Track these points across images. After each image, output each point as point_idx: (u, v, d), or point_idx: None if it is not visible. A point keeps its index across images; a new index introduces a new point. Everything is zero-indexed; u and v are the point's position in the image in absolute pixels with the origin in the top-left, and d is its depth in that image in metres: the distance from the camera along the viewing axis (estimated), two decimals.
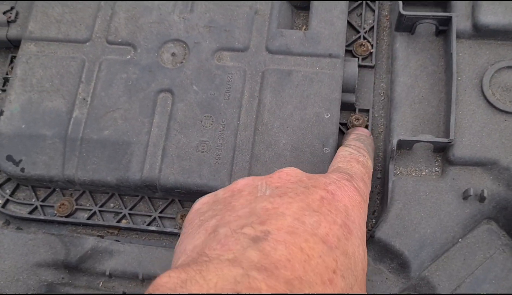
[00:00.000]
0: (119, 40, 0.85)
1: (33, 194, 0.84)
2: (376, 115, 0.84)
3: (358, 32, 0.87)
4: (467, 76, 0.78)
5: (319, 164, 0.75)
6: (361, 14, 0.89)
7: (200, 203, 0.66)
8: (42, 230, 0.82)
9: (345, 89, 0.81)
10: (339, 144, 0.77)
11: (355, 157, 0.70)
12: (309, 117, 0.77)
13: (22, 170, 0.80)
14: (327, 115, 0.77)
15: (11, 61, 0.93)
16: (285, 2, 0.86)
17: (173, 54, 0.83)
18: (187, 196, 0.78)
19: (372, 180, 0.79)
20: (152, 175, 0.77)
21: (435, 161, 0.77)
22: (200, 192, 0.76)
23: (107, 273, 0.76)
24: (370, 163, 0.72)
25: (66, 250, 0.76)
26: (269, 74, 0.80)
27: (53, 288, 0.74)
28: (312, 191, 0.59)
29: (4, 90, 0.92)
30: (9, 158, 0.80)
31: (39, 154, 0.80)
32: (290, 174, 0.64)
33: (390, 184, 0.75)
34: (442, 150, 0.77)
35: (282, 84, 0.79)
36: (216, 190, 0.74)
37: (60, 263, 0.76)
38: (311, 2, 0.84)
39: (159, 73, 0.82)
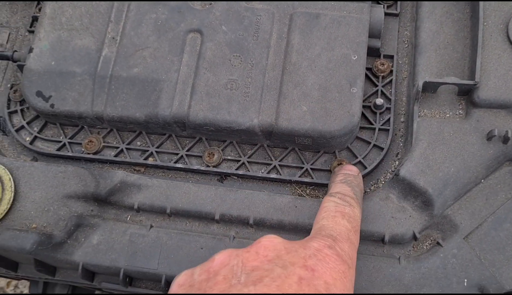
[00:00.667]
0: None
1: (61, 131, 0.85)
2: (400, 61, 0.85)
3: None
4: (493, 22, 0.79)
5: (346, 103, 0.76)
6: None
7: (177, 285, 0.61)
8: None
9: (371, 34, 0.82)
10: (365, 85, 0.79)
11: (341, 209, 0.67)
12: (336, 58, 0.79)
13: (52, 106, 0.81)
14: (355, 56, 0.78)
15: (38, 3, 0.93)
16: None
17: None
18: (214, 133, 0.80)
19: (395, 124, 0.81)
20: (181, 111, 0.78)
21: (459, 104, 0.79)
22: (228, 129, 0.77)
23: (135, 206, 0.77)
24: (358, 212, 0.69)
25: (96, 182, 0.77)
26: (297, 17, 0.81)
27: (82, 219, 0.76)
28: (290, 272, 0.55)
29: (30, 32, 0.93)
30: (39, 94, 0.82)
31: (68, 90, 0.81)
32: (268, 247, 0.59)
33: (415, 125, 0.76)
34: (466, 93, 0.78)
35: (310, 26, 0.80)
36: (245, 126, 0.75)
37: (90, 196, 0.77)
38: None
39: (188, 14, 0.83)
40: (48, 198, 0.77)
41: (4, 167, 0.77)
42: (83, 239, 0.76)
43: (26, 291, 1.23)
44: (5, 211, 0.76)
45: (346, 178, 0.73)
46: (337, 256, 0.59)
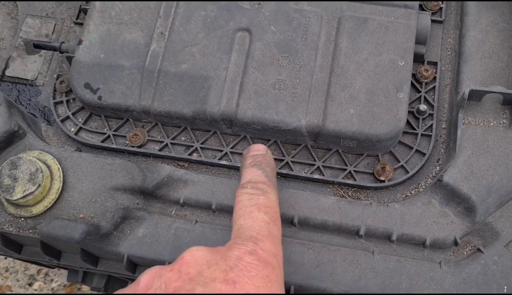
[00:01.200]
0: None
1: (106, 123, 0.86)
2: (443, 68, 0.87)
3: None
4: None
5: (392, 108, 0.77)
6: None
7: None
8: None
9: (417, 41, 0.83)
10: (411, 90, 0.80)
11: (255, 201, 0.65)
12: (384, 63, 0.80)
13: (99, 98, 0.82)
14: (402, 62, 0.80)
15: None
16: None
17: None
18: (260, 132, 0.81)
19: (437, 131, 0.82)
20: (229, 109, 0.79)
21: (503, 113, 0.80)
22: (275, 128, 0.78)
23: (181, 201, 0.79)
24: (273, 197, 0.67)
25: (143, 176, 0.78)
26: (346, 20, 0.82)
27: (129, 212, 0.77)
28: (211, 289, 0.55)
29: (76, 23, 0.94)
30: (87, 86, 0.83)
31: (116, 83, 0.82)
32: (190, 264, 0.58)
33: (459, 132, 0.77)
34: (511, 103, 0.79)
35: (358, 31, 0.82)
36: (292, 127, 0.77)
37: (137, 189, 0.78)
38: None
39: (237, 13, 0.84)
40: (95, 190, 0.78)
41: (53, 157, 0.78)
42: (128, 231, 0.77)
43: (56, 278, 1.24)
44: (54, 201, 0.77)
45: (255, 160, 0.71)
46: (259, 262, 0.58)
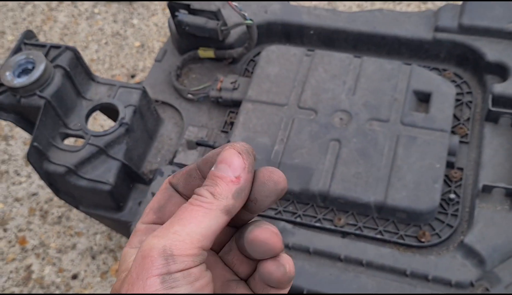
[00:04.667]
0: (306, 107, 1.35)
1: None
2: (467, 172, 1.29)
3: (458, 120, 1.35)
4: None
5: (431, 194, 1.20)
6: (461, 109, 1.36)
7: None
8: None
9: (449, 153, 1.27)
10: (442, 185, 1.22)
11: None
12: (426, 165, 1.24)
13: None
14: (438, 165, 1.23)
15: (229, 114, 1.45)
16: (412, 97, 1.34)
17: (341, 119, 1.32)
18: (343, 205, 1.24)
19: (462, 212, 1.23)
20: (324, 189, 1.24)
21: (506, 201, 1.21)
22: (353, 203, 1.22)
23: (290, 245, 1.22)
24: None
25: None
26: (402, 137, 1.28)
27: None
28: None
29: (223, 131, 1.43)
30: None
31: None
32: None
33: (475, 213, 1.19)
34: (511, 195, 1.21)
35: (410, 144, 1.26)
36: (364, 201, 1.20)
37: None
38: (432, 96, 1.32)
39: (331, 129, 1.31)
40: None
41: None
42: None
43: None
44: None
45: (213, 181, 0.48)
46: None
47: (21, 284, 1.73)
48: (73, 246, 1.80)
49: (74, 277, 1.74)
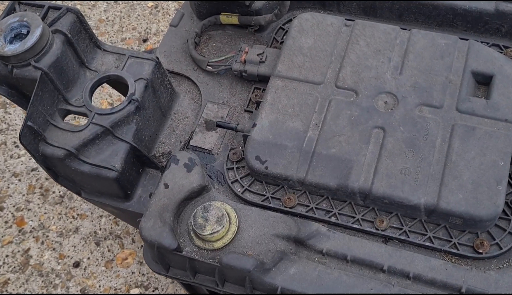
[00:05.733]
0: (345, 86, 1.16)
1: (266, 188, 1.14)
2: None
3: None
4: None
5: (493, 197, 1.01)
6: None
7: None
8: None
9: None
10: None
11: None
12: (487, 161, 1.04)
13: (266, 168, 1.10)
14: (502, 162, 1.04)
15: (254, 91, 1.25)
16: (471, 79, 1.14)
17: (385, 102, 1.13)
18: (387, 205, 1.06)
19: None
20: (365, 185, 1.05)
21: None
22: (399, 204, 1.03)
23: (324, 251, 1.04)
24: None
25: (298, 228, 1.05)
26: (458, 127, 1.08)
27: (284, 254, 1.03)
28: None
29: (247, 111, 1.24)
30: (257, 158, 1.11)
31: (280, 158, 1.10)
32: None
33: None
34: None
35: (467, 136, 1.07)
36: (413, 203, 1.01)
37: (292, 237, 1.04)
38: (494, 79, 1.12)
39: (374, 114, 1.12)
40: (261, 235, 1.04)
41: (232, 207, 1.06)
42: (283, 269, 1.03)
43: None
44: (230, 240, 1.04)
45: None
46: None
47: (18, 270, 1.58)
48: (76, 230, 1.64)
49: (76, 265, 1.58)
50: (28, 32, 1.09)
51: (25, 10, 1.16)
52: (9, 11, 1.15)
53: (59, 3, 1.15)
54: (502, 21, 1.24)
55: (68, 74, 1.14)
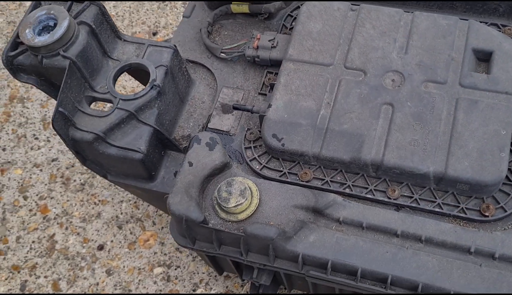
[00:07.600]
0: (354, 67, 1.23)
1: (282, 164, 1.21)
2: None
3: None
4: None
5: (496, 163, 1.08)
6: None
7: None
8: None
9: None
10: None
11: None
12: (490, 131, 1.12)
13: (283, 145, 1.18)
14: (504, 131, 1.12)
15: (266, 75, 1.33)
16: (472, 56, 1.22)
17: (393, 80, 1.20)
18: (398, 176, 1.13)
19: None
20: (377, 157, 1.13)
21: None
22: (410, 173, 1.11)
23: (340, 219, 1.11)
24: None
25: (316, 199, 1.12)
26: (462, 101, 1.16)
27: (304, 223, 1.10)
28: None
29: (261, 94, 1.31)
30: (274, 136, 1.19)
31: (295, 135, 1.18)
32: None
33: None
34: None
35: (471, 108, 1.15)
36: (423, 172, 1.08)
37: (310, 208, 1.12)
38: (493, 55, 1.20)
39: (382, 92, 1.19)
40: (281, 206, 1.12)
41: (253, 182, 1.14)
42: (303, 237, 1.10)
43: (214, 287, 1.57)
44: (253, 211, 1.11)
45: None
46: None
47: (45, 254, 1.65)
48: (98, 215, 1.71)
49: (100, 248, 1.65)
50: (55, 24, 1.16)
51: (50, 4, 1.22)
52: (35, 6, 1.21)
53: None
54: (499, 2, 1.31)
55: (93, 63, 1.21)
